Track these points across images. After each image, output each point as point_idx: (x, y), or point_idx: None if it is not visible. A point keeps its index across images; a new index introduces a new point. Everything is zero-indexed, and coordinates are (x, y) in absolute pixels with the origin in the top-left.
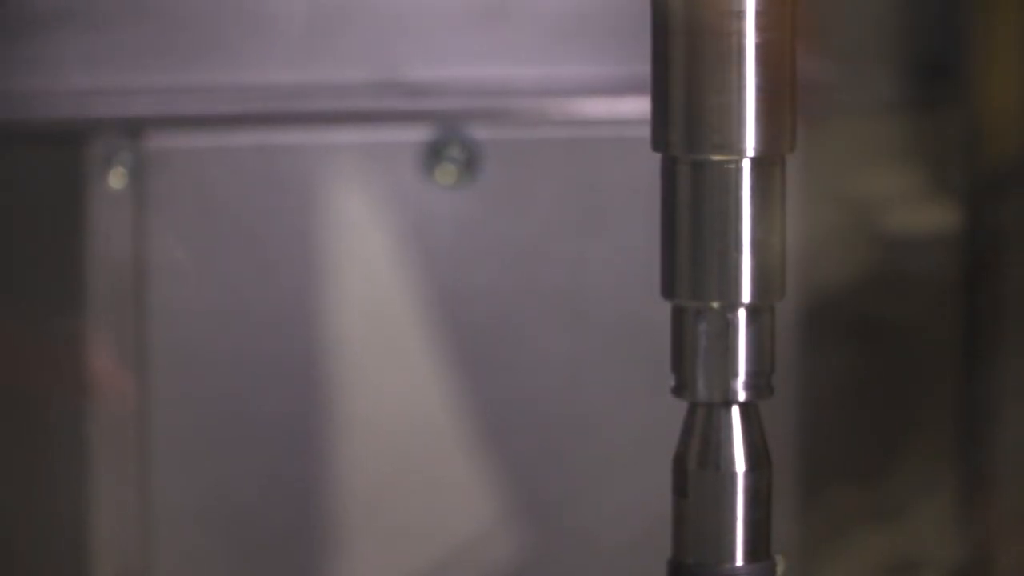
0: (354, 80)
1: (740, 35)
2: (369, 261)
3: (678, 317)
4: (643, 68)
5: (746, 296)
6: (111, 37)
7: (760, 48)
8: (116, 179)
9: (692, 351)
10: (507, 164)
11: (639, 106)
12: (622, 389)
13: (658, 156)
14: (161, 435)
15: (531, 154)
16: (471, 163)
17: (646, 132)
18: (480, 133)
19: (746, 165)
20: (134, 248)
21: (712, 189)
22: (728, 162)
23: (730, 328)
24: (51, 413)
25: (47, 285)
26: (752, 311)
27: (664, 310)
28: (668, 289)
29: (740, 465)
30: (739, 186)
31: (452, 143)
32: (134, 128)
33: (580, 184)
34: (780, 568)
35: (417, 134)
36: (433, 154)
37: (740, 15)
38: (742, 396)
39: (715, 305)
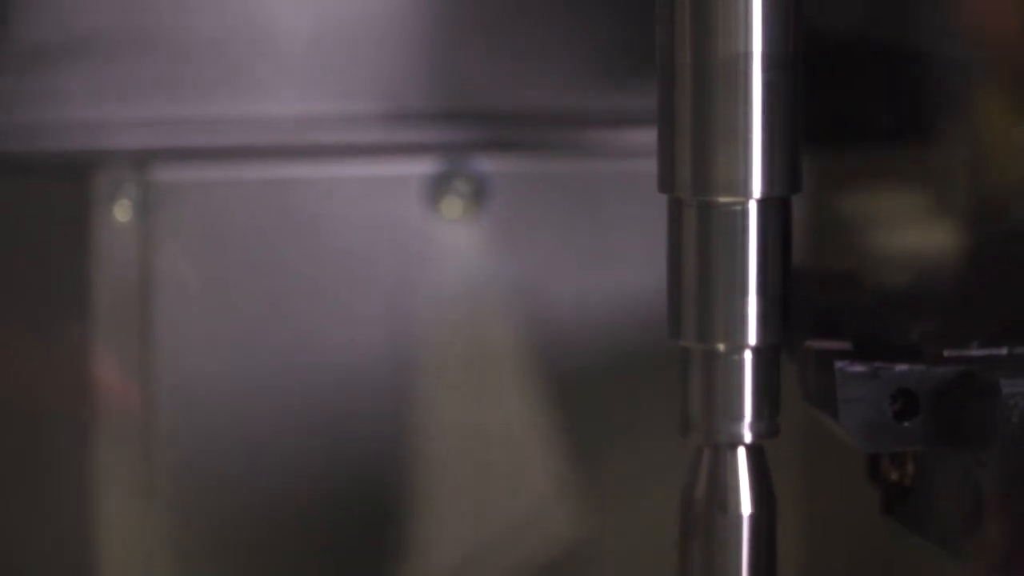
0: (360, 111)
1: (747, 76)
2: (375, 294)
3: (684, 359)
4: (650, 98)
5: (752, 338)
6: (117, 69)
7: (767, 89)
8: (122, 212)
9: (698, 393)
10: (513, 197)
11: (646, 137)
12: (626, 423)
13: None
14: (168, 467)
15: (537, 186)
16: (477, 196)
17: (653, 164)
18: (486, 166)
19: (752, 207)
20: (140, 281)
21: (719, 231)
22: (735, 204)
23: (736, 370)
24: (57, 448)
25: (53, 318)
26: (758, 353)
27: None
28: (674, 330)
29: (747, 507)
30: (746, 228)
31: (458, 176)
32: (140, 160)
33: (586, 216)
34: None
35: (423, 167)
36: (439, 187)
37: (747, 56)
38: (748, 438)
39: (721, 347)
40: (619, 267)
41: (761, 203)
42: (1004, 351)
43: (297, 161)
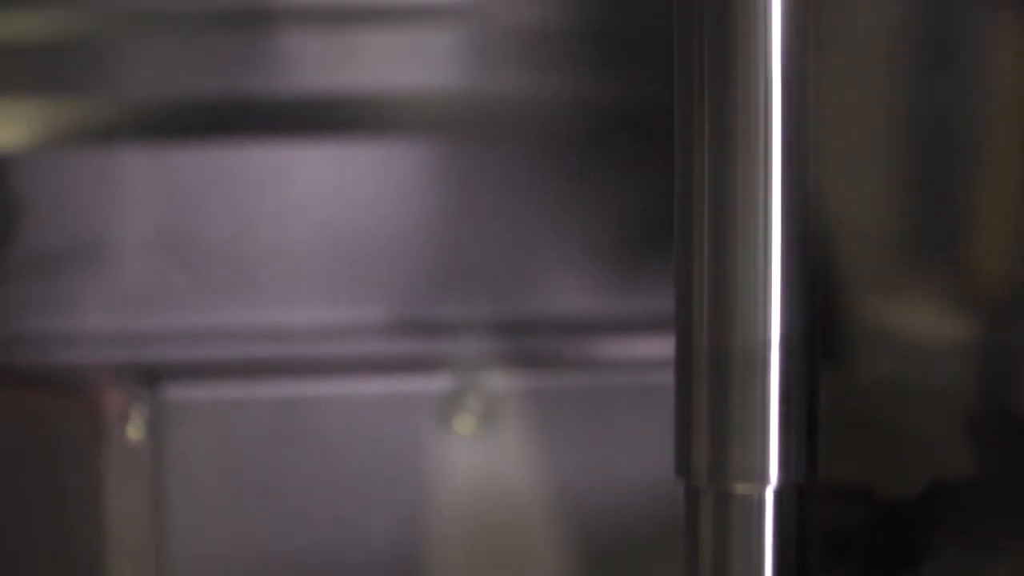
0: (370, 320)
1: (765, 365)
2: (388, 513)
3: None
4: (660, 305)
5: None
6: (124, 276)
7: (784, 379)
8: (134, 430)
9: None
10: (526, 412)
11: (657, 348)
12: None
13: None
14: None
15: (550, 400)
16: (489, 412)
17: (666, 376)
18: (498, 381)
19: (769, 495)
20: (152, 502)
21: (735, 519)
22: (752, 493)
23: None
24: None
25: (62, 540)
26: None
27: None
28: None
29: None
30: (762, 517)
31: (470, 393)
32: (151, 376)
33: (599, 430)
34: None
35: (434, 384)
36: (451, 404)
37: (765, 345)
38: None
39: None
40: (633, 481)
41: (778, 492)
42: None
43: (308, 378)
